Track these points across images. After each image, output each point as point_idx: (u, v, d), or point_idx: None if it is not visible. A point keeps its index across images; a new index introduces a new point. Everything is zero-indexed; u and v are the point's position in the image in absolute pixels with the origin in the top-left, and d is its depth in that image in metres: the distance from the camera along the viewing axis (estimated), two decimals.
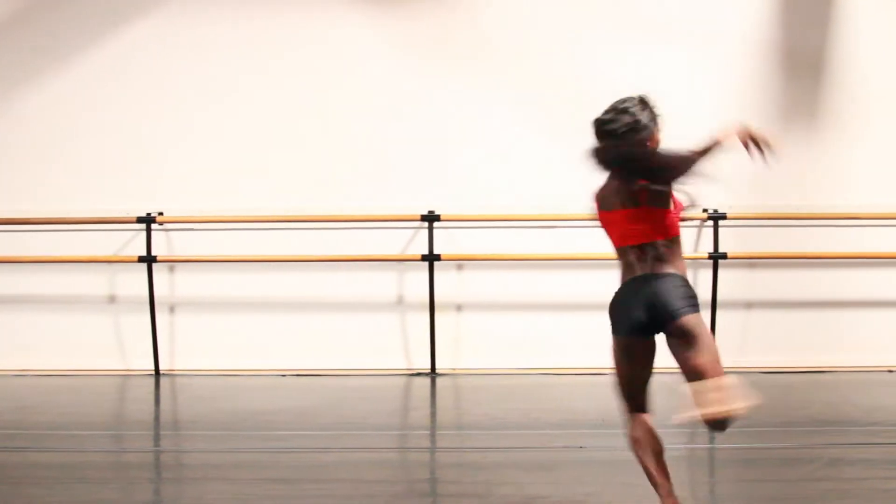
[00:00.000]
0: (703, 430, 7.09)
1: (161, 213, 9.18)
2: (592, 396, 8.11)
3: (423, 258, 9.07)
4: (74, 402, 8.02)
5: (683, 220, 4.43)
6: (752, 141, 4.20)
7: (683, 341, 4.19)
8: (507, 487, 5.25)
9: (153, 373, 9.23)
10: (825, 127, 9.24)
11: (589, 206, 4.42)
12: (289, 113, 9.29)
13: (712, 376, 4.14)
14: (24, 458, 6.17)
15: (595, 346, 9.31)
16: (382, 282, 9.29)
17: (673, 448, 6.29)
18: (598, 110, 4.48)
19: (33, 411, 7.64)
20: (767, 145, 4.17)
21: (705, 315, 9.05)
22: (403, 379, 9.03)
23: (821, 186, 9.23)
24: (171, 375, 9.20)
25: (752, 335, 9.32)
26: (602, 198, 4.40)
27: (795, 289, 9.34)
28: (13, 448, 6.38)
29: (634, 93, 4.31)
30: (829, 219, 9.17)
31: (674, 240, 4.35)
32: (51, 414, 7.54)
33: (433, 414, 7.82)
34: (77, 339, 9.37)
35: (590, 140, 4.24)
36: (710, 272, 9.10)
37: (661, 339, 4.35)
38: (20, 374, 9.21)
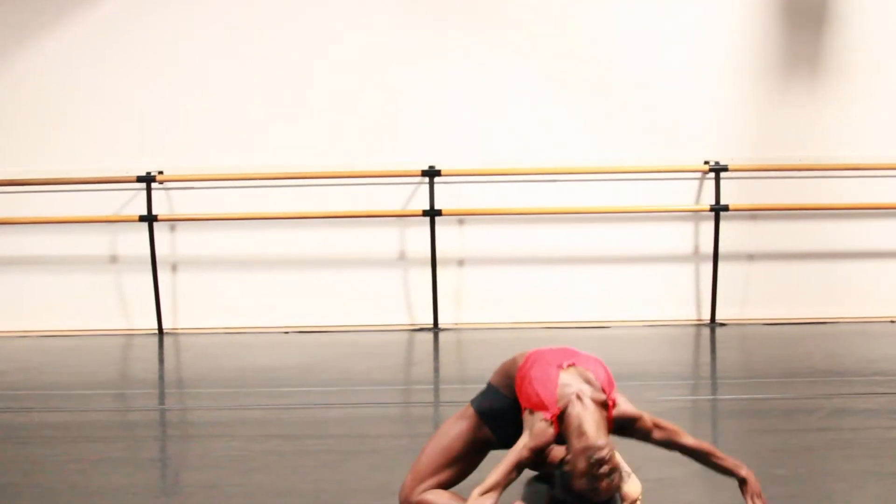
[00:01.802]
0: (707, 382, 7.16)
1: (161, 172, 9.17)
2: (594, 350, 8.12)
3: (425, 213, 9.07)
4: (79, 363, 8.05)
5: None
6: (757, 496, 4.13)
7: None
8: None
9: (156, 332, 9.26)
10: (827, 78, 9.21)
11: None
12: (288, 70, 9.26)
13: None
14: (29, 418, 6.21)
15: (596, 299, 9.40)
16: (384, 238, 9.30)
17: (676, 399, 6.35)
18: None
19: (38, 372, 7.68)
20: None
21: (708, 267, 9.09)
22: (406, 334, 9.06)
23: (823, 138, 9.20)
24: (175, 334, 9.23)
25: (753, 287, 9.34)
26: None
27: (797, 240, 9.34)
28: (19, 409, 6.42)
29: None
30: (831, 170, 9.15)
31: None
32: (55, 374, 7.57)
33: (436, 369, 7.86)
34: (80, 299, 9.39)
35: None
36: (711, 224, 9.10)
37: None
38: (23, 336, 9.24)
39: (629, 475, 4.25)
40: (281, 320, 9.32)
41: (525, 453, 3.99)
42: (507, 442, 4.25)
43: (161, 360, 8.29)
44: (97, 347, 8.73)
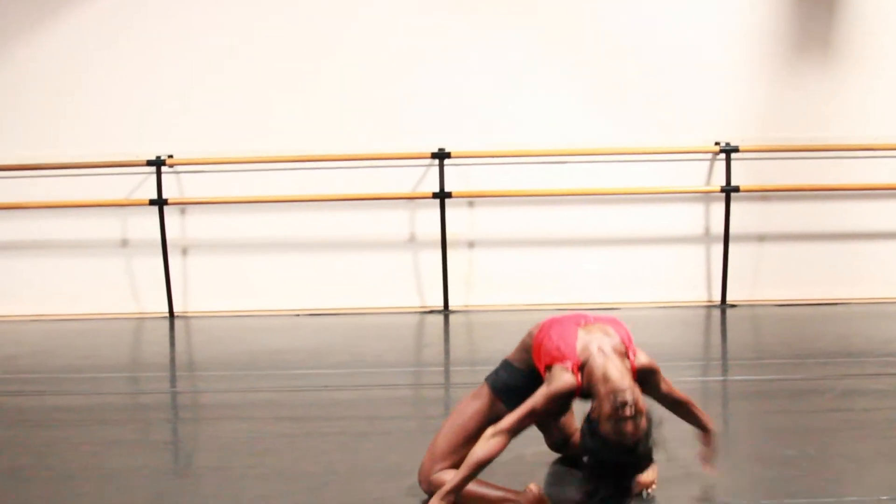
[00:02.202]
0: (717, 363, 7.16)
1: (171, 156, 9.18)
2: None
3: (435, 196, 9.07)
4: (90, 346, 8.08)
5: None
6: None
7: None
8: None
9: (167, 315, 9.29)
10: (839, 59, 9.17)
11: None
12: (298, 53, 9.25)
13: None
14: (42, 401, 6.24)
15: (606, 280, 9.40)
16: (394, 220, 9.30)
17: (687, 381, 6.35)
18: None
19: (50, 355, 7.71)
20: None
21: (718, 248, 9.09)
22: (417, 316, 9.07)
23: (834, 118, 9.17)
24: (185, 317, 9.26)
25: (764, 268, 9.33)
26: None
27: (808, 221, 9.32)
28: (31, 392, 6.45)
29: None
30: (843, 150, 9.13)
31: None
32: (67, 357, 7.60)
33: (447, 350, 7.87)
34: (91, 283, 9.42)
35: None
36: (722, 205, 9.09)
37: None
38: (35, 320, 9.28)
39: None
40: (292, 303, 9.34)
41: (541, 401, 4.02)
42: (511, 402, 4.30)
43: (172, 343, 8.32)
44: (108, 331, 8.76)
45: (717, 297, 9.24)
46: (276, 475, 4.66)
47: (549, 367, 4.09)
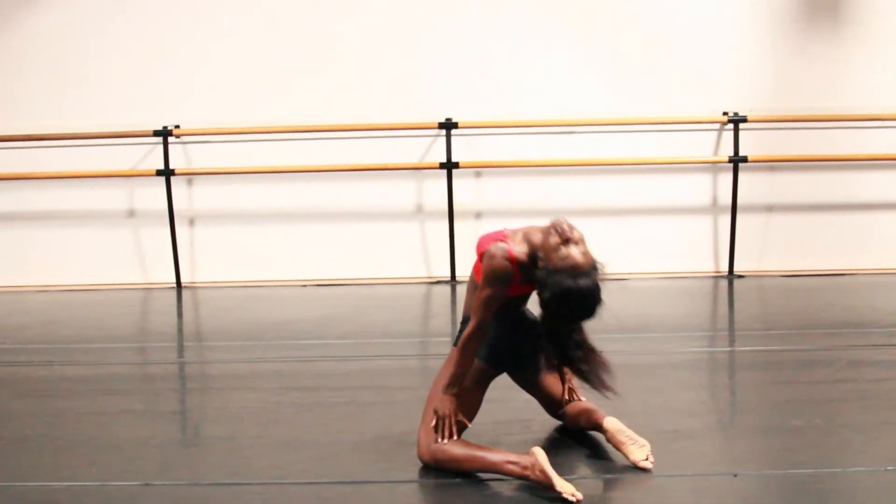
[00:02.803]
0: (724, 334, 7.17)
1: (178, 126, 9.18)
2: (612, 302, 8.12)
3: (442, 166, 9.07)
4: (98, 316, 8.11)
5: None
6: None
7: None
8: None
9: (175, 286, 9.32)
10: (848, 28, 9.12)
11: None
12: (305, 24, 9.23)
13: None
14: (51, 371, 6.27)
15: (613, 251, 9.32)
16: (401, 191, 9.30)
17: (694, 351, 6.36)
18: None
19: (58, 326, 7.74)
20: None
21: (726, 218, 9.08)
22: (423, 287, 9.08)
23: (842, 88, 9.13)
24: (193, 288, 9.28)
25: (772, 238, 9.32)
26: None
27: (816, 192, 9.30)
28: (40, 362, 6.47)
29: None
30: (851, 121, 9.10)
31: None
32: (75, 328, 7.63)
33: (453, 321, 7.87)
34: (98, 253, 9.44)
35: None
36: (730, 176, 9.08)
37: None
38: (43, 290, 9.31)
39: (634, 442, 4.28)
40: (299, 273, 9.36)
41: (484, 282, 4.21)
42: (497, 361, 4.44)
43: (180, 314, 8.34)
44: (116, 301, 8.79)
45: (725, 268, 9.24)
46: (284, 445, 4.69)
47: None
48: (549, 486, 3.95)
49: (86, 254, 9.44)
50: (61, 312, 8.27)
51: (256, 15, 9.23)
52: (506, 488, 4.09)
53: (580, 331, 4.27)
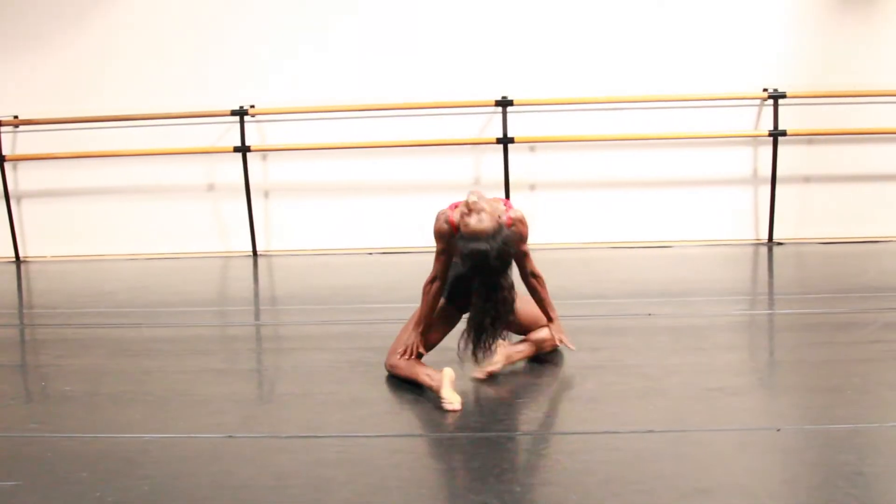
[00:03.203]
0: (764, 298, 7.10)
1: (253, 106, 9.22)
2: (658, 268, 8.10)
3: (498, 141, 9.04)
4: (181, 282, 8.19)
5: None
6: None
7: None
8: (582, 351, 5.30)
9: (251, 254, 9.39)
10: (884, 3, 8.95)
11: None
12: (369, 7, 9.22)
13: None
14: (139, 332, 6.34)
15: (659, 220, 9.31)
16: (460, 164, 9.29)
17: (735, 314, 6.31)
18: None
19: (145, 291, 7.82)
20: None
21: (766, 189, 8.97)
22: None
23: (877, 64, 8.97)
24: (268, 256, 9.34)
25: (810, 208, 9.21)
26: None
27: (851, 164, 9.17)
28: (129, 324, 6.55)
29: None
30: (884, 96, 8.94)
31: None
32: (161, 293, 7.70)
33: None
34: (181, 224, 9.54)
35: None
36: (770, 149, 8.97)
37: None
38: (131, 259, 9.42)
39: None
40: (365, 242, 9.39)
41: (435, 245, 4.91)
42: (452, 299, 5.05)
43: (256, 280, 8.40)
44: (198, 268, 8.87)
45: (765, 236, 9.14)
46: (354, 401, 4.71)
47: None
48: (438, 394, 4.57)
49: (169, 225, 9.54)
50: (148, 279, 8.36)
51: (322, 1, 9.23)
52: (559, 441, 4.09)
53: (497, 290, 4.70)
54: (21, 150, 9.56)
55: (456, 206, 4.85)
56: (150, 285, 8.06)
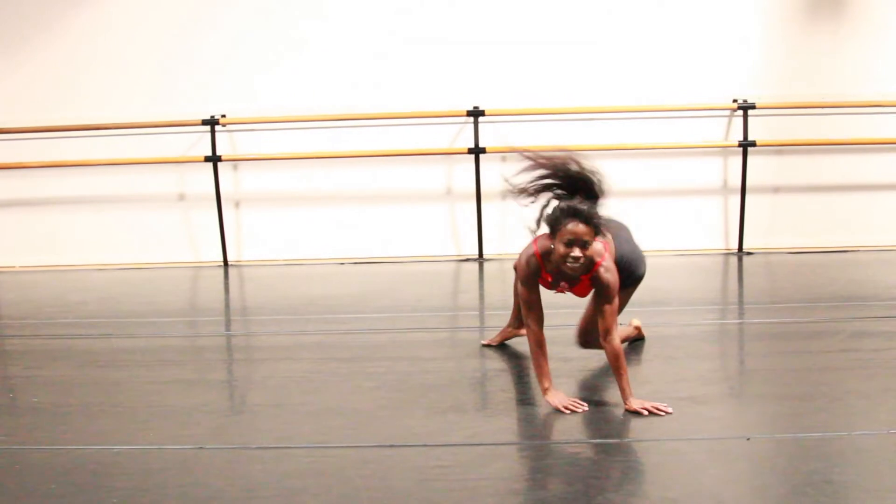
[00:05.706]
0: (734, 307, 7.14)
1: (224, 116, 9.20)
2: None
3: (470, 151, 9.05)
4: (152, 293, 8.14)
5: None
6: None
7: None
8: (554, 360, 5.31)
9: (222, 264, 9.35)
10: (850, 16, 9.04)
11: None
12: (339, 16, 9.22)
13: None
14: (109, 343, 6.30)
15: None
16: (432, 174, 9.30)
17: (706, 323, 6.34)
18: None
19: (116, 301, 7.78)
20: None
21: (736, 199, 9.03)
22: (453, 264, 9.08)
23: (844, 75, 9.06)
24: (239, 266, 9.31)
25: (779, 218, 9.27)
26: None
27: (821, 174, 9.24)
28: (99, 335, 6.51)
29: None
30: (852, 107, 9.02)
31: None
32: (131, 303, 7.66)
33: (481, 296, 7.88)
34: (152, 234, 9.49)
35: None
36: (740, 159, 9.03)
37: None
38: (101, 269, 9.36)
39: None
40: (337, 252, 9.38)
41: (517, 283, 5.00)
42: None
43: (227, 290, 8.36)
44: (168, 278, 8.83)
45: (735, 246, 9.20)
46: (326, 411, 4.70)
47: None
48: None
49: (140, 235, 9.49)
50: (118, 289, 8.31)
51: (295, 9, 9.22)
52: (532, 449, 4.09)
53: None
54: None
55: (536, 241, 4.84)
56: (120, 295, 8.01)
